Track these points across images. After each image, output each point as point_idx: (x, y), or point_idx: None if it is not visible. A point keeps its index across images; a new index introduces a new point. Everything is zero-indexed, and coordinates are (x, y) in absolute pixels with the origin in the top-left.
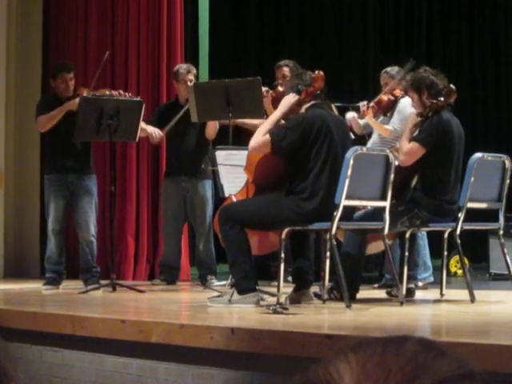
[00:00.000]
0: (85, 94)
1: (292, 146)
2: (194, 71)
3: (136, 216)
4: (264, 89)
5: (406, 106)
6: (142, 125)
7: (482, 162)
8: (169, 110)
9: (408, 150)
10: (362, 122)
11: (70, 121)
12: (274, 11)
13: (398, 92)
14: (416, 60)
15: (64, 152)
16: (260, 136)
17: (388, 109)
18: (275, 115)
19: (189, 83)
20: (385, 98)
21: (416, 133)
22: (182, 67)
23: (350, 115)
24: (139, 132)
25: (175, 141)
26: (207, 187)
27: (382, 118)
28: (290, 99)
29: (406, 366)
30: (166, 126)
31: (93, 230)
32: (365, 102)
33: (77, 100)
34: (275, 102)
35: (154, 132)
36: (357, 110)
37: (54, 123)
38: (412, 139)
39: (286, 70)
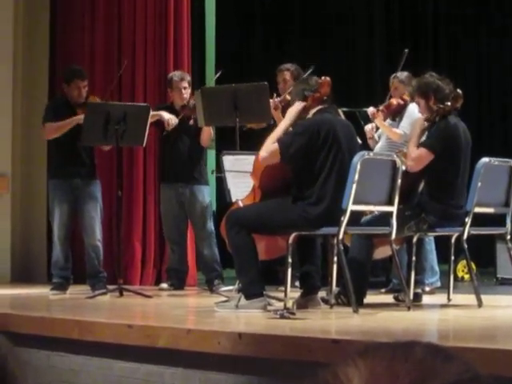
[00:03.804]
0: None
1: (300, 152)
2: (188, 78)
3: (143, 221)
4: (275, 99)
5: (416, 110)
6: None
7: (489, 167)
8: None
9: (416, 156)
10: (375, 134)
11: (75, 126)
12: (279, 14)
13: (406, 96)
14: (423, 65)
15: (69, 157)
16: (269, 145)
17: (397, 113)
18: (283, 124)
19: (183, 90)
20: (394, 102)
21: (423, 138)
22: (175, 75)
23: (369, 127)
24: (149, 123)
25: (170, 147)
26: (205, 193)
27: (390, 122)
28: (296, 107)
29: (414, 371)
30: (167, 132)
31: (98, 234)
32: (372, 108)
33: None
34: (285, 111)
35: (170, 119)
36: (364, 115)
37: (60, 134)
38: (420, 145)
39: (287, 74)
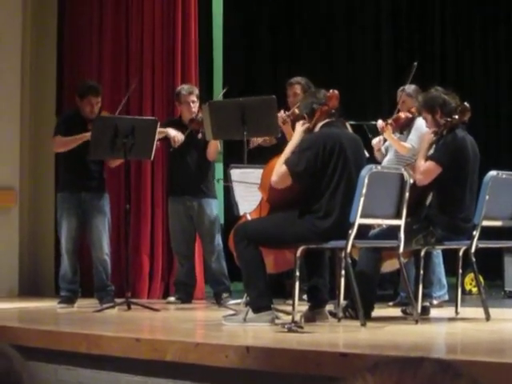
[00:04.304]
0: None
1: (310, 167)
2: (197, 92)
3: (151, 234)
4: (283, 114)
5: (423, 123)
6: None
7: (497, 180)
8: (171, 127)
9: (424, 169)
10: (382, 147)
11: (88, 144)
12: (287, 27)
13: (414, 110)
14: (430, 78)
15: (78, 170)
16: (278, 169)
17: (405, 126)
18: (290, 146)
19: (191, 104)
20: (402, 115)
21: (431, 151)
22: (183, 88)
23: (376, 140)
24: (156, 139)
25: (178, 161)
26: (213, 206)
27: (398, 135)
28: (300, 129)
29: None
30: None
31: (106, 248)
32: (381, 121)
33: None
34: (294, 125)
35: (176, 136)
36: (372, 128)
37: (69, 149)
38: (428, 158)
39: (297, 87)
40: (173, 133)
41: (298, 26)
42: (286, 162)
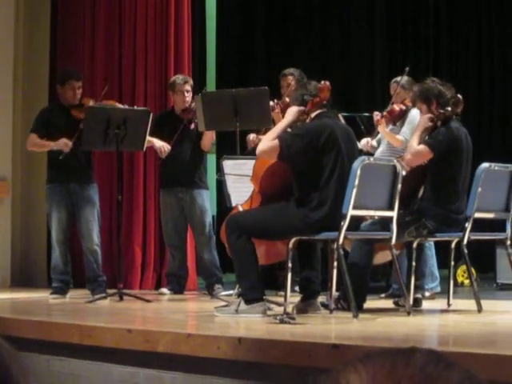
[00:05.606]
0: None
1: (299, 153)
2: (191, 82)
3: (143, 225)
4: (272, 102)
5: (417, 115)
6: (149, 138)
7: (490, 172)
8: (165, 120)
9: (416, 151)
10: (373, 141)
11: (72, 130)
12: (281, 20)
13: (408, 102)
14: (423, 72)
15: (66, 161)
16: (268, 141)
17: (399, 118)
18: (282, 123)
19: (185, 93)
20: (396, 107)
21: (426, 137)
22: (178, 78)
23: (364, 141)
24: (146, 143)
25: (170, 151)
26: (205, 197)
27: (391, 127)
28: (295, 109)
29: (415, 377)
30: (170, 138)
31: (96, 239)
32: (377, 113)
33: (65, 142)
34: (284, 113)
35: (162, 146)
36: (365, 120)
37: (38, 151)
38: (422, 142)
39: (290, 78)
40: (158, 144)
41: (292, 18)
42: (280, 138)
